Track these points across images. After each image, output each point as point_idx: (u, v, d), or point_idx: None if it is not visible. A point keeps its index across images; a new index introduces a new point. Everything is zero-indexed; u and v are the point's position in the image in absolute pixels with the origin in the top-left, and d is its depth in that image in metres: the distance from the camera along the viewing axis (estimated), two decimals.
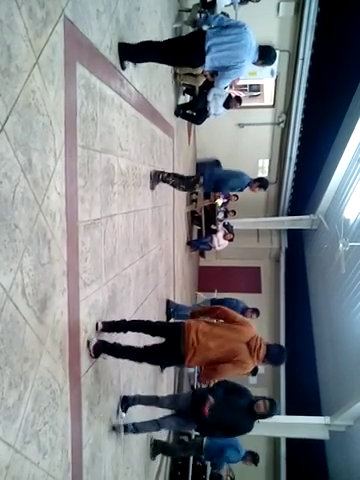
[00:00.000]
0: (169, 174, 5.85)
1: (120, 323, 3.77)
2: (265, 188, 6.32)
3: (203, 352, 3.56)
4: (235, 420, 4.61)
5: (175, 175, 6.06)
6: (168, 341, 3.75)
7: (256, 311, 7.29)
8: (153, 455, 5.84)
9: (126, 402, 4.36)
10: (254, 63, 4.22)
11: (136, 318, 4.44)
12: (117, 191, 3.91)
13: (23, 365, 2.20)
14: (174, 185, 6.10)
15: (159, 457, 6.54)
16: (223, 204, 11.14)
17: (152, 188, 5.53)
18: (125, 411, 4.32)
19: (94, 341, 3.38)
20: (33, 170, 2.24)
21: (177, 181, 6.03)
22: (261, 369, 12.51)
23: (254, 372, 6.13)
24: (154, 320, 4.29)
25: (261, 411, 4.55)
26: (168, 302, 7.09)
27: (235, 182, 6.19)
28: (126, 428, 4.38)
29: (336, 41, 8.72)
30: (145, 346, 3.83)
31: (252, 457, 6.12)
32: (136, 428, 4.58)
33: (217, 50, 3.97)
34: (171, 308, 7.10)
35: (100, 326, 3.52)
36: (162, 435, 6.29)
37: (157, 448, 5.88)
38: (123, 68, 3.96)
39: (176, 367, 7.94)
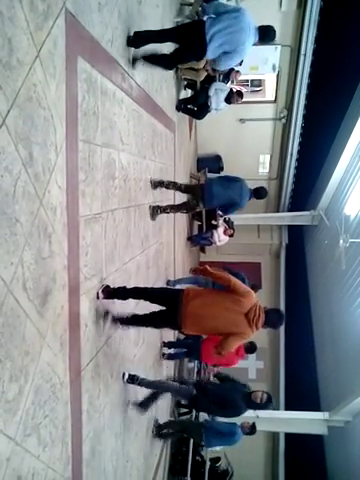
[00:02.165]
0: (167, 206, 5.90)
1: (119, 290, 3.76)
2: (262, 198, 6.36)
3: (200, 319, 3.67)
4: (233, 400, 4.98)
5: (172, 206, 6.13)
6: (166, 311, 3.86)
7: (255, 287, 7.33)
8: (157, 434, 6.05)
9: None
10: (254, 44, 4.24)
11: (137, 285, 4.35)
12: (118, 185, 3.91)
13: (24, 359, 2.21)
14: (175, 211, 6.22)
15: (158, 451, 6.58)
16: None
17: (153, 219, 5.60)
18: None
19: (102, 288, 3.53)
20: (34, 164, 2.24)
21: (176, 209, 6.16)
22: (260, 364, 12.57)
23: (252, 350, 6.23)
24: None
25: (257, 401, 4.91)
26: (168, 282, 7.09)
27: (235, 207, 6.30)
28: (134, 379, 4.55)
29: (339, 36, 8.67)
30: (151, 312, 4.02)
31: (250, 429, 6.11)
32: (142, 383, 4.71)
33: (218, 37, 4.00)
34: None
35: (100, 295, 3.53)
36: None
37: (160, 428, 6.08)
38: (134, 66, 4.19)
39: (176, 362, 8.01)
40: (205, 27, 4.00)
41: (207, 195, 6.00)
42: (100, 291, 3.52)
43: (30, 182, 2.20)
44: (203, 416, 8.23)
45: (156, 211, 5.61)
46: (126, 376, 4.48)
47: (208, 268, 3.84)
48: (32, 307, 2.29)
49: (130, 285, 4.05)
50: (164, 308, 3.91)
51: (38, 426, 2.42)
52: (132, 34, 4.02)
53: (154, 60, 4.45)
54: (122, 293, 3.79)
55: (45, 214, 2.40)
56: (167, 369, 7.29)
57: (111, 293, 3.64)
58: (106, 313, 3.74)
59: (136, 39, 4.04)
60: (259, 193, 6.20)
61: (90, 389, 3.39)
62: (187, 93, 8.56)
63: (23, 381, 2.21)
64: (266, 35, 4.24)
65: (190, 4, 7.53)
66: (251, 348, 6.40)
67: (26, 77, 2.12)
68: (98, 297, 3.50)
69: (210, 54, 4.12)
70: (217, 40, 3.99)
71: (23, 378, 2.21)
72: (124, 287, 3.84)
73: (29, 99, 2.16)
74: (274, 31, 4.30)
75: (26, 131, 2.14)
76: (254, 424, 6.00)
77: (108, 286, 3.63)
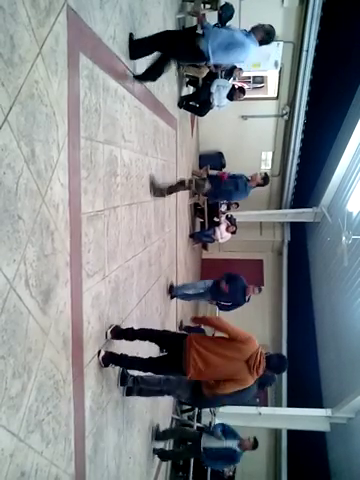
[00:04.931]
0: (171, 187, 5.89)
1: (128, 331, 3.94)
2: (263, 185, 6.42)
3: (203, 370, 3.72)
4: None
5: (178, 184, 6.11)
6: (171, 356, 3.97)
7: (258, 287, 7.23)
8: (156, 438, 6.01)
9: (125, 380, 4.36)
10: None
11: (143, 325, 4.51)
12: (120, 183, 3.91)
13: (26, 355, 2.21)
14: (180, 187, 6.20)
15: (161, 447, 6.60)
16: None
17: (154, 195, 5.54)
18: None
19: (102, 353, 3.58)
20: (36, 161, 2.24)
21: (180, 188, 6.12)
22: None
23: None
24: (159, 327, 4.42)
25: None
26: (171, 287, 7.11)
27: (239, 197, 6.35)
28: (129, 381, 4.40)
29: (341, 32, 8.63)
30: (150, 357, 4.12)
31: (251, 444, 6.10)
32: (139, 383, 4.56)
33: (218, 54, 4.10)
34: (173, 293, 7.16)
35: (109, 335, 3.68)
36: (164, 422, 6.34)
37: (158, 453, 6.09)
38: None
39: None
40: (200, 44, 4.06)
41: (213, 189, 6.03)
42: (109, 331, 3.69)
43: (32, 179, 2.20)
44: (205, 413, 8.27)
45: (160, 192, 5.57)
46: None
47: (208, 318, 4.00)
48: (35, 304, 2.29)
49: (137, 326, 4.19)
50: (168, 355, 4.06)
51: (41, 422, 2.43)
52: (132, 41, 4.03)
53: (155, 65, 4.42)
54: (130, 334, 3.96)
55: (47, 211, 2.40)
56: None
57: (119, 333, 3.82)
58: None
59: (134, 48, 4.06)
60: (263, 180, 6.24)
61: (93, 386, 3.40)
62: (189, 90, 8.55)
63: (26, 378, 2.21)
64: (268, 39, 4.23)
65: (192, 0, 7.51)
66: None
67: (28, 74, 2.12)
68: (106, 336, 3.65)
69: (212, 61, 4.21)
70: (217, 54, 4.08)
71: (26, 375, 2.21)
72: (132, 328, 4.01)
73: (31, 96, 2.16)
74: (274, 31, 4.30)
75: (28, 128, 2.14)
76: (255, 439, 6.01)
77: (117, 326, 3.81)
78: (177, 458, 7.13)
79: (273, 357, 3.88)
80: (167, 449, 6.70)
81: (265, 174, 6.45)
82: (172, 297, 7.18)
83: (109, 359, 3.66)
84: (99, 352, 3.53)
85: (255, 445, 6.07)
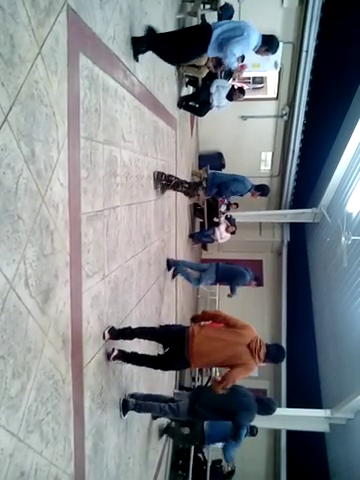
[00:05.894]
0: (169, 181, 5.91)
1: (126, 330, 3.95)
2: (266, 195, 6.39)
3: (207, 355, 3.85)
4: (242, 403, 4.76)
5: (176, 181, 6.12)
6: (175, 350, 4.00)
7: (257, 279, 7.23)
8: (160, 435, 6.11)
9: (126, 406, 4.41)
10: (257, 51, 4.23)
11: (141, 323, 4.62)
12: (120, 183, 3.91)
13: (26, 355, 2.21)
14: (175, 188, 6.18)
15: (160, 447, 6.61)
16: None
17: (156, 187, 5.59)
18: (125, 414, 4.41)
19: (115, 352, 3.74)
20: (36, 161, 2.24)
21: (178, 182, 6.11)
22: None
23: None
24: (158, 324, 4.47)
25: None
26: (168, 261, 6.89)
27: (237, 187, 6.30)
28: (128, 405, 4.44)
29: (341, 32, 8.64)
30: (158, 354, 4.23)
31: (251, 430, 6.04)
32: (139, 406, 4.60)
33: (221, 27, 4.10)
34: (173, 266, 6.99)
35: (107, 336, 3.67)
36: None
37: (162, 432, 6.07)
38: (137, 60, 4.19)
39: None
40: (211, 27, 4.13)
41: (210, 179, 6.03)
42: (106, 331, 3.67)
43: (32, 179, 2.20)
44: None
45: (160, 177, 5.64)
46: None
47: (205, 312, 4.21)
48: (34, 304, 2.29)
49: (135, 325, 4.22)
50: (168, 349, 4.12)
51: (41, 422, 2.43)
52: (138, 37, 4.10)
53: (157, 49, 4.44)
54: (128, 333, 3.97)
55: (47, 211, 2.40)
56: (169, 373, 7.28)
57: (117, 334, 3.82)
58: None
59: (142, 43, 4.13)
60: (262, 189, 6.23)
61: (92, 386, 3.40)
62: (189, 90, 8.55)
63: (25, 378, 2.21)
64: (270, 41, 4.24)
65: (192, 1, 7.51)
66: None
67: (28, 74, 2.12)
68: (104, 337, 3.65)
69: (214, 41, 4.15)
70: (219, 27, 4.09)
71: (25, 375, 2.21)
72: (130, 327, 4.03)
73: (31, 96, 2.16)
74: (278, 42, 4.34)
75: (28, 128, 2.14)
76: (255, 427, 5.96)
77: (113, 327, 3.79)
78: (178, 437, 7.03)
79: (272, 346, 3.99)
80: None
81: None
82: (169, 268, 6.92)
83: (119, 357, 3.83)
84: (111, 351, 3.69)
85: (255, 431, 6.00)
